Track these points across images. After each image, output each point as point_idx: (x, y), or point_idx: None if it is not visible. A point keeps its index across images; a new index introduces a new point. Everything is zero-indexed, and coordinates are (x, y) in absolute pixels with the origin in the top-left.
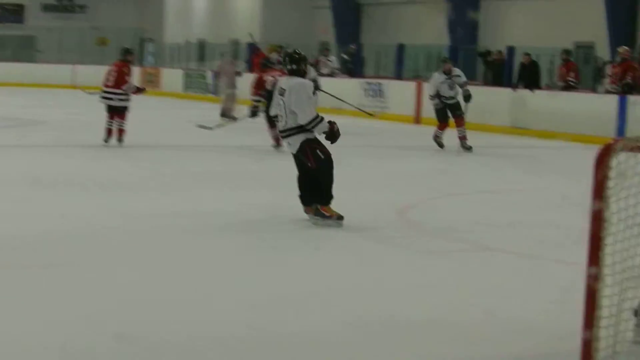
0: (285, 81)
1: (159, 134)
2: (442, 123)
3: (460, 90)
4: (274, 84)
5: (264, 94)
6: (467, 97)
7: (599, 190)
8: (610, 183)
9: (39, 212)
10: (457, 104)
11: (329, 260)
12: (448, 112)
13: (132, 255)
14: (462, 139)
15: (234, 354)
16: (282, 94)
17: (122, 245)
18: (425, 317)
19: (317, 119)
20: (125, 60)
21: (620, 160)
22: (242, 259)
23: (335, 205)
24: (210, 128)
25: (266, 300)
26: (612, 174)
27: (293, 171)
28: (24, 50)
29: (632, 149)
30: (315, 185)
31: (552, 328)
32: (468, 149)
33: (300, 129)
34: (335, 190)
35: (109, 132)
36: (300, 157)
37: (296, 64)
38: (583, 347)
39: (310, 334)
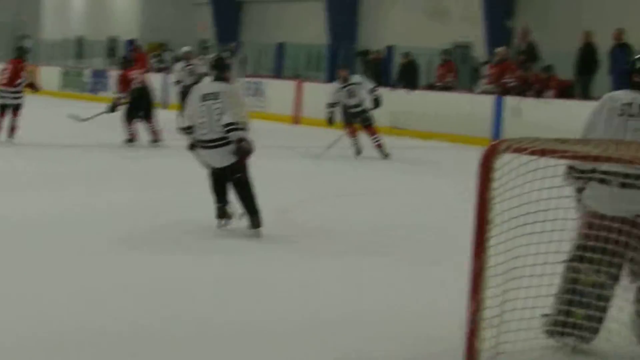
0: (213, 86)
1: (41, 131)
2: (348, 129)
3: (366, 98)
4: (142, 81)
5: (128, 91)
6: (375, 102)
7: (483, 191)
8: (495, 184)
9: None
10: (363, 112)
11: (207, 260)
12: (354, 120)
13: None
14: (378, 146)
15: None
16: (207, 99)
17: None
18: (311, 317)
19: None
20: (20, 57)
21: (504, 162)
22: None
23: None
24: (81, 119)
25: (140, 299)
26: (496, 175)
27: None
28: None
29: (516, 150)
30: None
31: (430, 328)
32: (386, 155)
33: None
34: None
35: None
36: (233, 168)
37: (225, 70)
38: (467, 347)
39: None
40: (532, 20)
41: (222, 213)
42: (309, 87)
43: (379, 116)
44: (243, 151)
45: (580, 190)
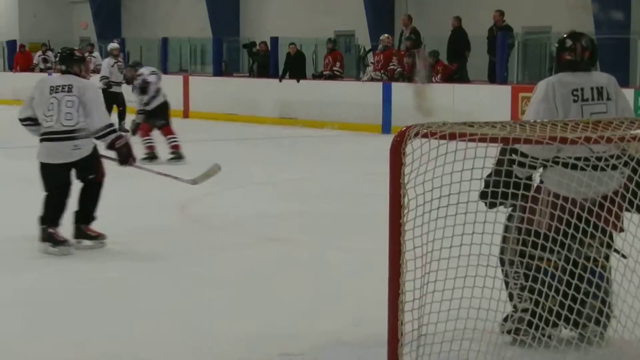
0: (65, 79)
1: None
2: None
3: (156, 94)
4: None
5: None
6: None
7: (396, 177)
8: (406, 169)
9: None
10: (156, 111)
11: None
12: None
13: None
14: (175, 147)
15: None
16: (58, 91)
17: None
18: (216, 310)
19: (112, 127)
20: None
21: (414, 147)
22: None
23: (116, 203)
24: None
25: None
26: (407, 160)
27: None
28: None
29: (426, 135)
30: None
31: (346, 314)
32: (180, 158)
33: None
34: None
35: None
36: (87, 164)
37: (74, 63)
38: (389, 332)
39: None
40: (412, 7)
41: (51, 237)
42: (195, 81)
43: (270, 106)
44: (125, 156)
45: (530, 177)
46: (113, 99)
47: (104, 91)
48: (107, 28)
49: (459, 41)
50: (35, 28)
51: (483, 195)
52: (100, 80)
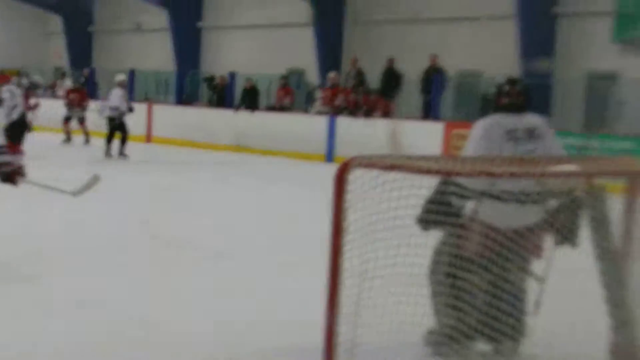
0: None
1: None
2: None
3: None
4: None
5: None
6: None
7: (339, 202)
8: (347, 200)
9: None
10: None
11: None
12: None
13: None
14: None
15: None
16: None
17: None
18: (169, 319)
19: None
20: None
21: (357, 177)
22: None
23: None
24: None
25: None
26: (349, 187)
27: None
28: None
29: (367, 166)
30: None
31: (286, 324)
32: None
33: None
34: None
35: None
36: None
37: None
38: (327, 342)
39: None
40: (358, 49)
41: None
42: (158, 109)
43: (227, 134)
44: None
45: (463, 206)
46: (118, 127)
47: (111, 120)
48: (79, 58)
49: (387, 79)
50: (10, 56)
51: (420, 220)
52: (114, 111)
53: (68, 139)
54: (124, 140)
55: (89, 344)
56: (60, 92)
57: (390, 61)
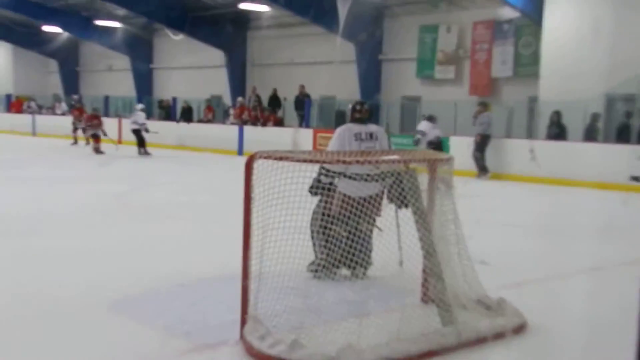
0: None
1: None
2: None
3: None
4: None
5: None
6: None
7: (247, 183)
8: (253, 179)
9: None
10: None
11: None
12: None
13: None
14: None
15: None
16: None
17: None
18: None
19: None
20: None
21: (259, 164)
22: None
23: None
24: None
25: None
26: (254, 171)
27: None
28: None
29: (265, 157)
30: None
31: (217, 262)
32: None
33: None
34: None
35: None
36: None
37: None
38: (243, 270)
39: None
40: (256, 81)
41: None
42: (125, 123)
43: (171, 138)
44: None
45: (331, 183)
46: (141, 137)
47: (138, 132)
48: (70, 88)
49: (273, 101)
50: (24, 84)
51: (309, 190)
52: (141, 126)
53: (75, 142)
54: (143, 144)
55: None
56: (58, 111)
57: (275, 90)
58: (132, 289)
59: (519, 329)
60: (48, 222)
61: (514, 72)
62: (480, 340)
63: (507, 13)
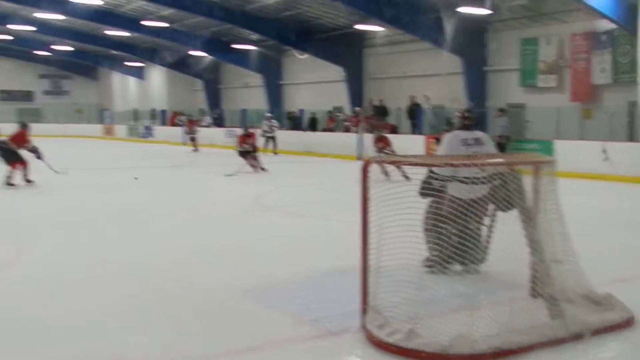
0: None
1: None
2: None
3: None
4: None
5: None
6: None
7: (364, 185)
8: (369, 179)
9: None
10: None
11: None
12: None
13: None
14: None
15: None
16: None
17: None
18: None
19: None
20: (25, 127)
21: (374, 167)
22: None
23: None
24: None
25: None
26: (370, 174)
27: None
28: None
29: (380, 162)
30: None
31: (335, 258)
32: None
33: None
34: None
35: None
36: None
37: None
38: (362, 264)
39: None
40: (373, 93)
41: None
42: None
43: (299, 145)
44: None
45: (443, 186)
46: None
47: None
48: (213, 103)
49: (381, 110)
50: (176, 101)
51: (419, 193)
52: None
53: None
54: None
55: None
56: (204, 123)
57: (381, 100)
58: (265, 279)
59: (628, 323)
60: (194, 219)
61: (613, 79)
62: (588, 333)
63: (603, 25)
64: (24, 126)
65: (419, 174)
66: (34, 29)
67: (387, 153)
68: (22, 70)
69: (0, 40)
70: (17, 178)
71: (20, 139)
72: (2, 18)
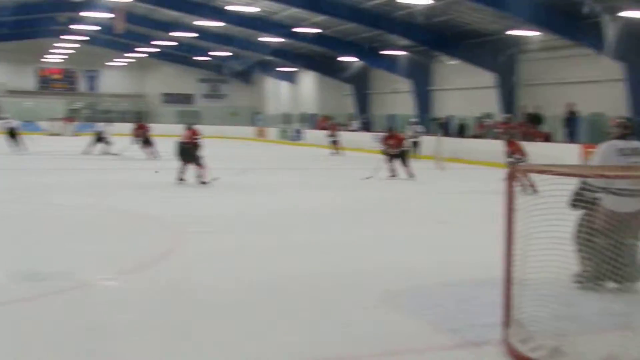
0: None
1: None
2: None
3: None
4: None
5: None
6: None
7: (510, 196)
8: (515, 189)
9: None
10: None
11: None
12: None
13: None
14: None
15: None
16: None
17: None
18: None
19: None
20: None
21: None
22: None
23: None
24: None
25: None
26: (516, 186)
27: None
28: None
29: (528, 171)
30: None
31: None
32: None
33: None
34: None
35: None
36: None
37: None
38: (506, 276)
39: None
40: (525, 99)
41: None
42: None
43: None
44: None
45: (596, 198)
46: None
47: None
48: (362, 108)
49: (534, 118)
50: (326, 105)
51: (569, 204)
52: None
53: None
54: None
55: None
56: (353, 127)
57: (535, 107)
58: (396, 284)
59: None
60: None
61: None
62: None
63: None
64: (189, 127)
65: (563, 184)
66: (195, 35)
67: (517, 159)
68: (183, 74)
69: (165, 46)
70: (205, 176)
71: (190, 138)
72: (167, 26)
